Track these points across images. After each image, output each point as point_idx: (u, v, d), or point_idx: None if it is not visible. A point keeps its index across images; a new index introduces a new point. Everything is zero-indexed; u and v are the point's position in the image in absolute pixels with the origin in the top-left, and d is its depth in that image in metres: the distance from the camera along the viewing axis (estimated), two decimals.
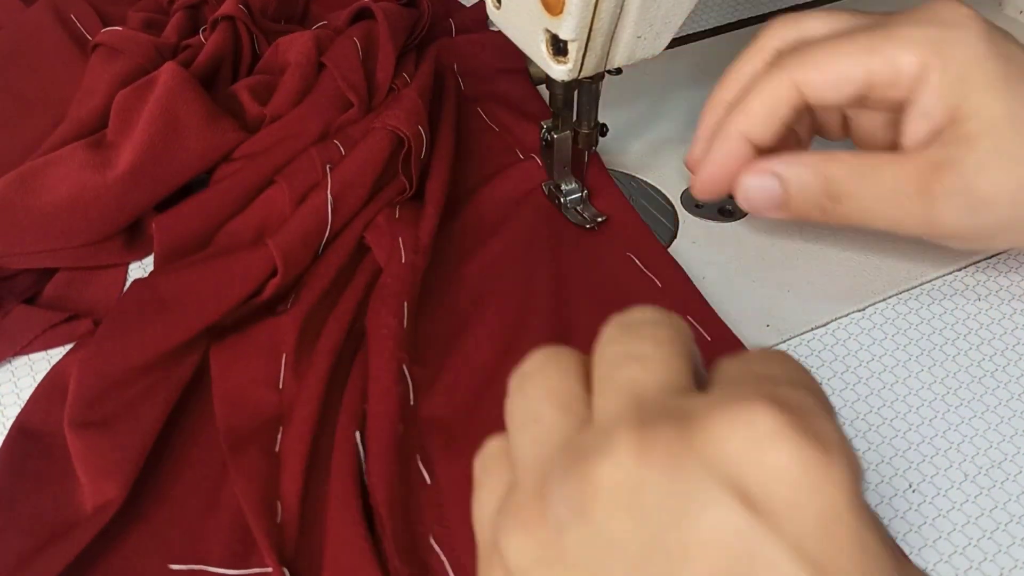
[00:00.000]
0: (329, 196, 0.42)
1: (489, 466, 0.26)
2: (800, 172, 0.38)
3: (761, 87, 0.39)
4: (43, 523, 0.32)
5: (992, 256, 0.43)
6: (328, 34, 0.50)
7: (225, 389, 0.36)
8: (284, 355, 0.38)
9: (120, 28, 0.49)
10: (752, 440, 0.20)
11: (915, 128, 0.38)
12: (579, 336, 0.36)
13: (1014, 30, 0.42)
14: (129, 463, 0.33)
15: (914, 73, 0.37)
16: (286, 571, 0.30)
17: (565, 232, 0.44)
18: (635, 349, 0.24)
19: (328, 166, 0.43)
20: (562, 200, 0.45)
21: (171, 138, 0.43)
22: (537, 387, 0.26)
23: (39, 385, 0.37)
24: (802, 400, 0.21)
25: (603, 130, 0.44)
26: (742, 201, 0.40)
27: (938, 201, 0.37)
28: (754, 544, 0.20)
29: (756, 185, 0.39)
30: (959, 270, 0.43)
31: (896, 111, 0.39)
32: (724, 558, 0.20)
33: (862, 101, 0.39)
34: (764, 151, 0.40)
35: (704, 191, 0.41)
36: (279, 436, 0.35)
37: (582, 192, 0.45)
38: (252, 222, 0.43)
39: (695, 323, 0.39)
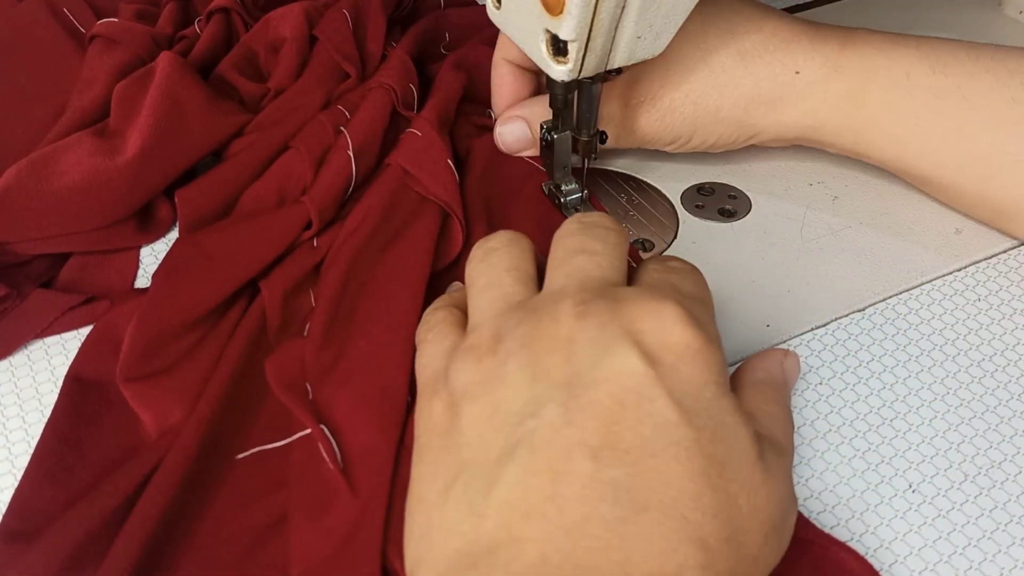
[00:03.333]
0: (351, 153, 0.44)
1: (434, 327, 0.34)
2: (539, 111, 0.45)
3: None
4: (111, 459, 0.34)
5: (992, 256, 0.43)
6: (318, 7, 0.52)
7: (273, 295, 0.40)
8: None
9: (116, 20, 0.50)
10: (660, 322, 0.28)
11: None
12: None
13: (1014, 30, 0.42)
14: (188, 395, 0.35)
15: None
16: (323, 427, 0.33)
17: None
18: (588, 245, 0.32)
19: (341, 127, 0.46)
20: (562, 200, 0.45)
21: (175, 123, 0.45)
22: (501, 260, 0.33)
23: (87, 339, 0.39)
24: (700, 310, 0.31)
25: (603, 137, 0.44)
26: (501, 146, 0.47)
27: (632, 110, 0.44)
28: (644, 384, 0.27)
29: (508, 130, 0.46)
30: (959, 270, 0.43)
31: None
32: (621, 389, 0.27)
33: None
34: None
35: (499, 113, 0.47)
36: (307, 326, 0.39)
37: (582, 192, 0.45)
38: (272, 186, 0.45)
39: None
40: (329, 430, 0.33)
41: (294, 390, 0.35)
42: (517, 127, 0.46)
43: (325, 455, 0.32)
